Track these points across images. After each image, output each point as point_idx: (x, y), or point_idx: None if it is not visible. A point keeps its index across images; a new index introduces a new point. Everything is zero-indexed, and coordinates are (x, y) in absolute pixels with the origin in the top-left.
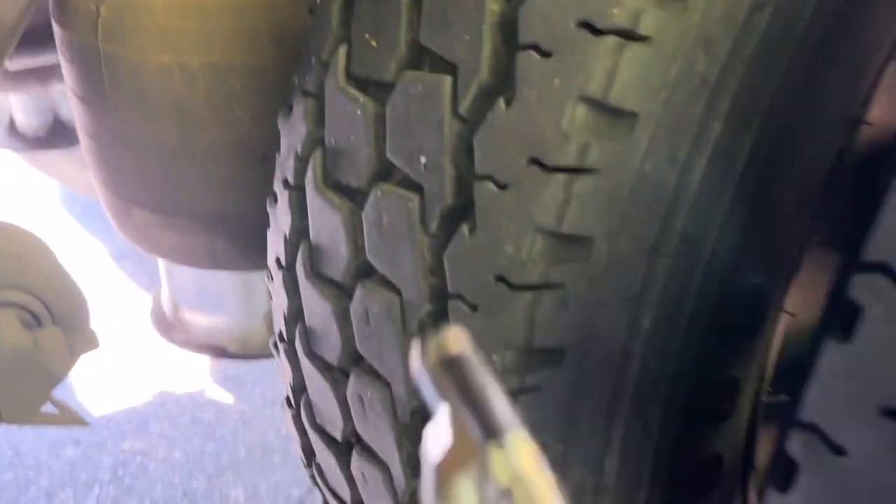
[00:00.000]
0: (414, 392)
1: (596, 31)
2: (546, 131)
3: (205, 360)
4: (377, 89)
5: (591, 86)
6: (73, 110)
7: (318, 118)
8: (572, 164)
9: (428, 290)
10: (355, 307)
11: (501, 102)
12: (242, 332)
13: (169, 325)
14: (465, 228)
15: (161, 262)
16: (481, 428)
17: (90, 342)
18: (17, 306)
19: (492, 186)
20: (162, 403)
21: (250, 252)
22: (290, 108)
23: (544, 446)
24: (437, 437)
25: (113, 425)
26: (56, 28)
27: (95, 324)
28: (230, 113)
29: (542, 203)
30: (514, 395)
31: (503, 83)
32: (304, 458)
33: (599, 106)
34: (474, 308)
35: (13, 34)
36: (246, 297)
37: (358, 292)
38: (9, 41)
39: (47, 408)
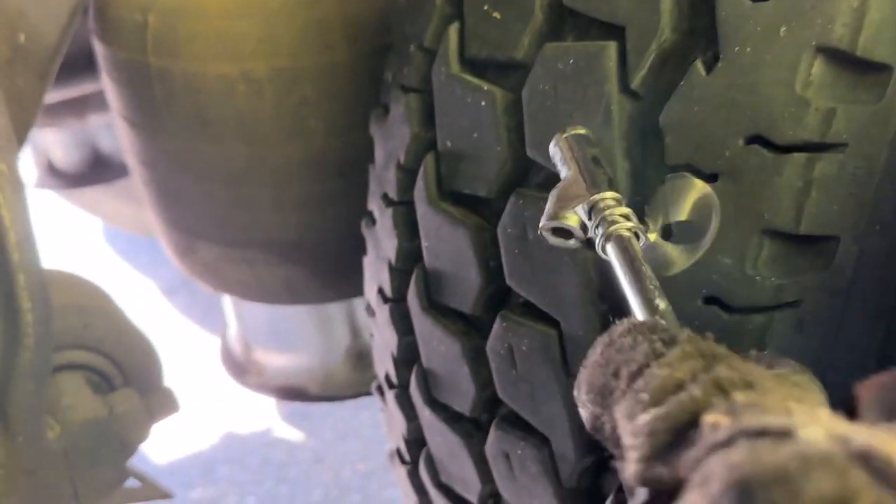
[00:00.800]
0: (584, 449)
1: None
2: (773, 98)
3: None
4: (506, 73)
5: (833, 31)
6: (123, 137)
7: (426, 117)
8: (813, 138)
9: (599, 320)
10: (494, 345)
11: (699, 66)
12: (323, 371)
13: (241, 368)
14: (656, 237)
15: (228, 298)
16: None
17: (169, 403)
18: (85, 368)
19: (693, 179)
20: (228, 445)
21: (331, 282)
22: (386, 110)
23: None
24: None
25: (179, 473)
26: (99, 46)
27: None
28: (303, 125)
29: (771, 195)
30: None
31: (696, 41)
32: None
33: (844, 59)
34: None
35: (55, 55)
36: (324, 332)
37: (497, 327)
38: (52, 64)
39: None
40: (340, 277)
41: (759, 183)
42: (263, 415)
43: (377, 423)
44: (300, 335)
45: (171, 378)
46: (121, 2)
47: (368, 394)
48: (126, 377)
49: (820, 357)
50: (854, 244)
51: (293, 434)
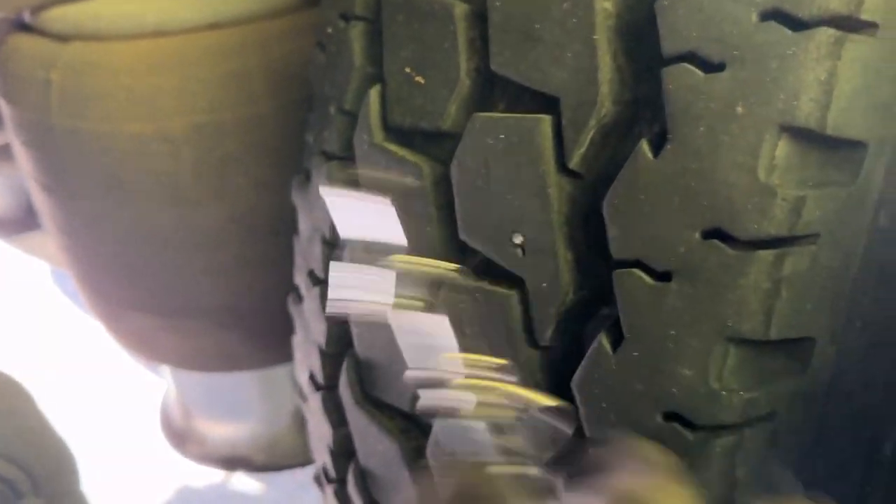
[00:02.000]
0: None
1: (796, 24)
2: (732, 185)
3: None
4: (433, 143)
5: (798, 108)
6: (37, 201)
7: (351, 188)
8: (781, 232)
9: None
10: (435, 450)
11: (645, 148)
12: (268, 438)
13: (181, 437)
14: (604, 340)
15: (166, 367)
16: None
17: None
18: None
19: (644, 277)
20: (182, 499)
21: (272, 346)
22: (308, 177)
23: None
24: None
25: None
26: (3, 105)
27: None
28: (228, 183)
29: (735, 298)
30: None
31: (641, 113)
32: None
33: (812, 138)
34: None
35: None
36: (268, 397)
37: (437, 428)
38: None
39: None
40: (281, 340)
41: (721, 284)
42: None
43: None
44: (242, 401)
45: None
46: (23, 56)
47: None
48: (36, 486)
49: (799, 471)
50: (831, 344)
51: (252, 486)
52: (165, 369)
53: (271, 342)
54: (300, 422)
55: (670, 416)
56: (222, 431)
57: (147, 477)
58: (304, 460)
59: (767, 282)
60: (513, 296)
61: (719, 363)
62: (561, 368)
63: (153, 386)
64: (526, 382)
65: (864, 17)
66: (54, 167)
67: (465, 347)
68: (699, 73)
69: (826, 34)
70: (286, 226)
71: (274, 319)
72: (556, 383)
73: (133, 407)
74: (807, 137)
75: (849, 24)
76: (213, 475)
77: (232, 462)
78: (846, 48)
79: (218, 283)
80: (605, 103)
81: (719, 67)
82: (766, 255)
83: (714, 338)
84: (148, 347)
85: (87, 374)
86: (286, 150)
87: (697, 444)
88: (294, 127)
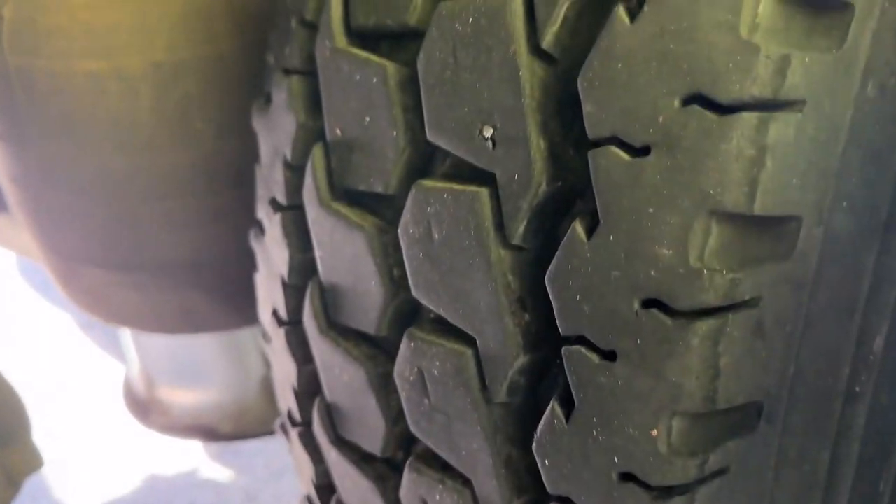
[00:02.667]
0: (512, 490)
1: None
2: (713, 46)
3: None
4: (399, 43)
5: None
6: None
7: (312, 102)
8: (765, 94)
9: (520, 334)
10: (402, 370)
11: (622, 13)
12: (236, 407)
13: (145, 408)
14: (578, 228)
15: (127, 331)
16: None
17: (32, 461)
18: None
19: (621, 154)
20: (153, 488)
21: (236, 307)
22: (268, 99)
23: None
24: None
25: None
26: None
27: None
28: (188, 126)
29: (718, 167)
30: (693, 486)
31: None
32: None
33: None
34: (609, 356)
35: None
36: (234, 362)
37: (404, 348)
38: None
39: None
40: (245, 300)
41: (702, 153)
42: (190, 454)
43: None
44: (207, 368)
45: (85, 419)
46: None
47: None
48: None
49: (784, 366)
50: (818, 225)
51: (223, 473)
52: (127, 339)
53: (237, 302)
54: (269, 389)
55: (649, 303)
56: (186, 400)
57: (115, 465)
58: (273, 428)
59: (751, 148)
60: (483, 192)
61: (700, 241)
62: (534, 269)
63: (117, 373)
64: (497, 284)
65: None
66: (5, 109)
67: (434, 255)
68: None
69: None
70: (247, 174)
71: (239, 277)
72: (529, 284)
73: (99, 395)
74: None
75: None
76: (181, 463)
77: (197, 432)
78: None
79: (177, 235)
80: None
81: None
82: (750, 118)
83: (695, 212)
84: (105, 306)
85: (54, 362)
86: (250, 92)
87: (677, 330)
88: (258, 68)
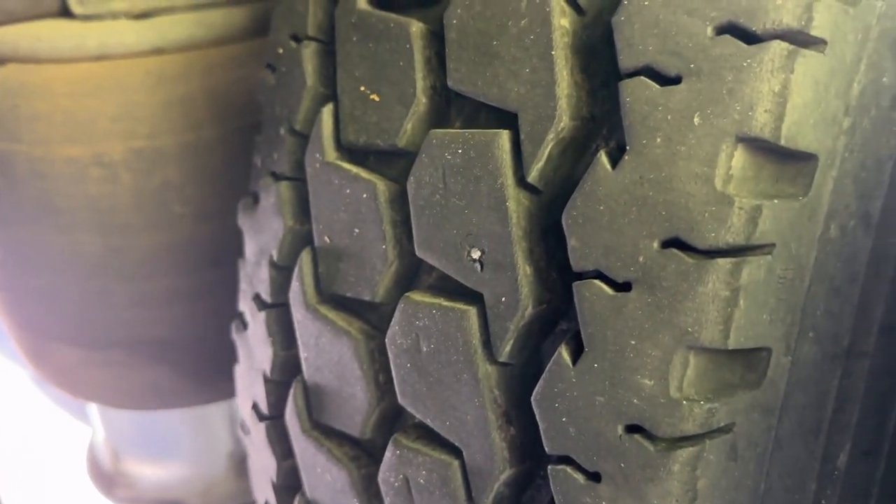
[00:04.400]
0: None
1: (749, 38)
2: (690, 195)
3: None
4: (389, 161)
5: (754, 119)
6: None
7: (300, 208)
8: (738, 241)
9: (507, 448)
10: (387, 476)
11: (604, 159)
12: (203, 481)
13: (110, 480)
14: (564, 353)
15: (93, 405)
16: None
17: None
18: None
19: (604, 288)
20: None
21: (207, 383)
22: (255, 199)
23: None
24: None
25: None
26: None
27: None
28: (166, 210)
29: (695, 307)
30: None
31: (598, 129)
32: None
33: (767, 149)
34: (594, 477)
35: None
36: (203, 436)
37: (390, 454)
38: None
39: None
40: (216, 377)
41: (680, 293)
42: None
43: None
44: (175, 441)
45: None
46: None
47: None
48: None
49: (756, 484)
50: (786, 355)
51: None
52: (93, 409)
53: (206, 378)
54: (238, 464)
55: (632, 429)
56: (153, 473)
57: None
58: (241, 502)
59: (726, 290)
60: (471, 311)
61: (680, 373)
62: (519, 385)
63: (82, 437)
64: (485, 398)
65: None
66: None
67: (422, 367)
68: (656, 86)
69: (779, 48)
70: (227, 256)
71: (209, 354)
72: (515, 400)
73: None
74: (762, 148)
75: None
76: None
77: None
78: (798, 62)
79: (150, 314)
80: (564, 118)
81: (676, 80)
82: (725, 262)
83: (674, 347)
84: (75, 383)
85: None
86: (228, 178)
87: (660, 456)
88: (237, 155)
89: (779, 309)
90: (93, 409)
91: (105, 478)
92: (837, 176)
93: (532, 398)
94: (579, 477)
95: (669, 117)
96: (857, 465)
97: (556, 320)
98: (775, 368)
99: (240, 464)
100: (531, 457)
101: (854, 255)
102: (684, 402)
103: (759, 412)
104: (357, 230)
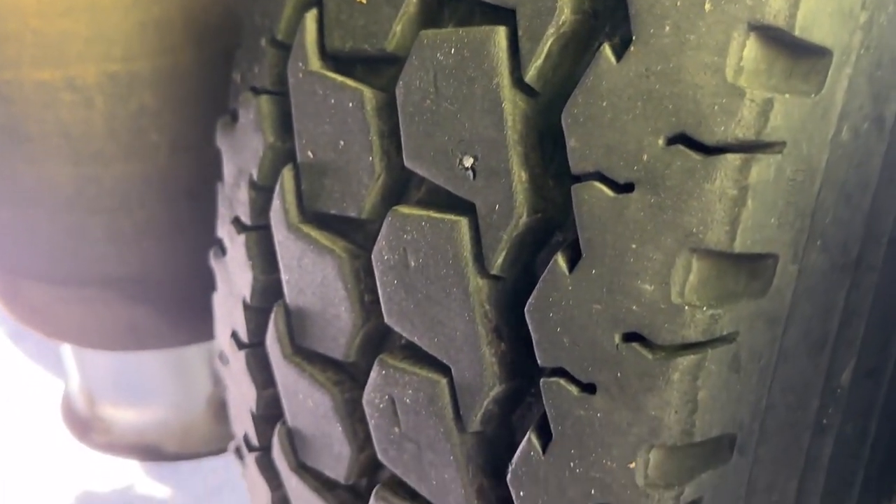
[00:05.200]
0: None
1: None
2: (699, 87)
3: None
4: (376, 68)
5: (768, 6)
6: None
7: (283, 123)
8: (748, 136)
9: (497, 364)
10: (372, 397)
11: (608, 52)
12: (181, 425)
13: (85, 426)
14: (560, 261)
15: (68, 347)
16: None
17: None
18: None
19: (605, 189)
20: (86, 503)
21: (184, 323)
22: (234, 117)
23: None
24: None
25: None
26: None
27: None
28: (142, 139)
29: (700, 206)
30: None
31: (601, 24)
32: None
33: (780, 40)
34: (588, 388)
35: None
36: (180, 380)
37: (375, 375)
38: None
39: None
40: (195, 316)
41: (686, 192)
42: (124, 470)
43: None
44: (152, 385)
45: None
46: None
47: None
48: None
49: (758, 399)
50: (793, 263)
51: (159, 491)
52: (68, 354)
53: (185, 319)
54: (216, 408)
55: (629, 337)
56: (130, 418)
57: (47, 484)
58: (220, 448)
59: (734, 189)
60: (462, 221)
61: (682, 277)
62: (511, 299)
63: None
64: (475, 313)
65: None
66: None
67: (409, 283)
68: None
69: None
70: (203, 189)
71: (185, 293)
72: (507, 314)
73: (32, 411)
74: (775, 39)
75: None
76: (115, 480)
77: (140, 451)
78: None
79: (125, 250)
80: (565, 11)
81: None
82: (734, 159)
83: (677, 249)
84: (48, 322)
85: None
86: (206, 105)
87: (658, 364)
88: (216, 81)
89: (787, 213)
90: (67, 353)
91: (80, 423)
92: (852, 74)
93: (525, 309)
94: (573, 389)
95: (679, 4)
96: (860, 384)
97: (551, 231)
98: (781, 276)
99: (218, 409)
100: (521, 374)
101: (867, 159)
102: (686, 307)
103: (763, 322)
104: (342, 143)
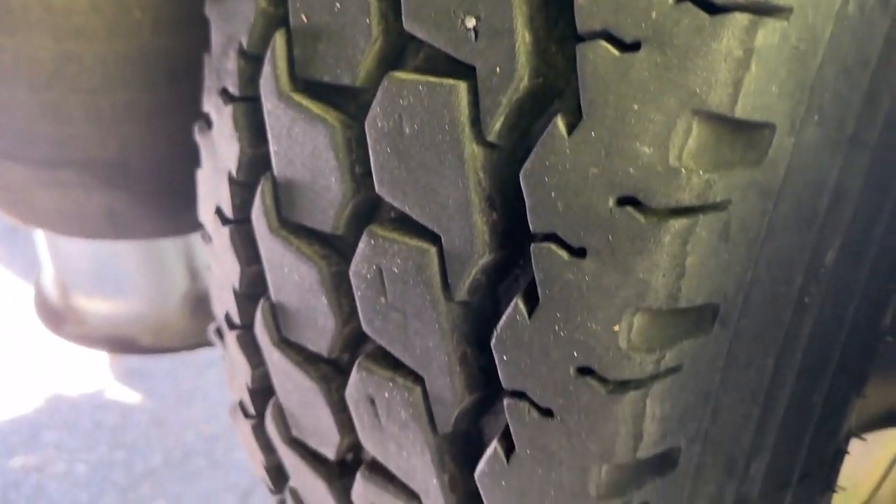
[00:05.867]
0: (465, 387)
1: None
2: None
3: (102, 354)
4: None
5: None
6: None
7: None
8: None
9: (488, 232)
10: (359, 268)
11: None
12: (156, 319)
13: (58, 317)
14: (559, 124)
15: (42, 235)
16: None
17: None
18: None
19: (610, 49)
20: (55, 408)
21: (162, 213)
22: None
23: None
24: None
25: None
26: None
27: None
28: (125, 15)
29: (705, 66)
30: (647, 382)
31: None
32: (269, 481)
33: None
34: (579, 252)
35: None
36: (157, 273)
37: (364, 245)
38: None
39: None
40: (174, 207)
41: (692, 50)
42: (95, 375)
43: (225, 385)
44: (128, 277)
45: None
46: None
47: (209, 345)
48: None
49: (743, 271)
50: (790, 135)
51: (129, 395)
52: (42, 243)
53: (162, 209)
54: (193, 304)
55: (624, 201)
56: (104, 310)
57: (16, 384)
58: (196, 343)
59: (740, 50)
60: (460, 85)
61: (681, 141)
62: (506, 168)
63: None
64: (469, 181)
65: None
66: None
67: (403, 150)
68: None
69: None
70: (187, 71)
71: (167, 182)
72: (500, 183)
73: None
74: None
75: None
76: (85, 383)
77: (114, 343)
78: None
79: (104, 132)
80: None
81: None
82: (742, 18)
83: (679, 110)
84: (24, 207)
85: None
86: None
87: (650, 227)
88: None
89: (788, 82)
90: (42, 242)
91: (54, 314)
92: None
93: (521, 174)
94: (563, 253)
95: None
96: (843, 266)
97: (551, 99)
98: (777, 148)
99: (195, 305)
100: (511, 244)
101: (869, 36)
102: (683, 170)
103: (756, 193)
104: (338, 4)
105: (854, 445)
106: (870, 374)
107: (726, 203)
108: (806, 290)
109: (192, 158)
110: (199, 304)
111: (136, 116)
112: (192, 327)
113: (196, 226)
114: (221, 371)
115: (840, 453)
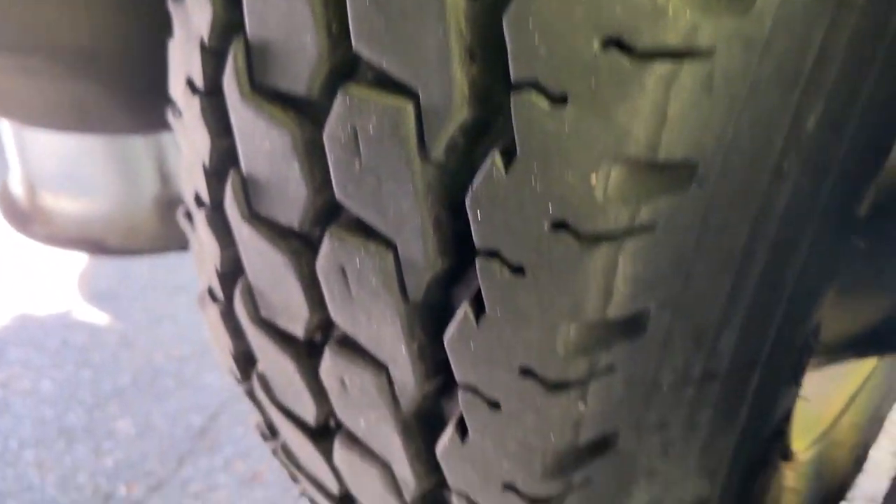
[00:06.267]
0: (437, 253)
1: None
2: None
3: (71, 272)
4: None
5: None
6: None
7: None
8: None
9: (466, 85)
10: (334, 130)
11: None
12: (126, 221)
13: (25, 216)
14: None
15: (8, 129)
16: None
17: None
18: None
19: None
20: (22, 326)
21: (133, 107)
22: None
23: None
24: None
25: None
26: None
27: None
28: None
29: None
30: (621, 237)
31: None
32: (237, 370)
33: None
34: (560, 99)
35: None
36: (127, 173)
37: (338, 107)
38: None
39: None
40: (145, 101)
41: None
42: (63, 295)
43: (195, 307)
44: (98, 177)
45: None
46: None
47: (179, 248)
48: None
49: (723, 128)
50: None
51: (98, 317)
52: (7, 135)
53: (133, 102)
54: (163, 208)
55: (609, 42)
56: (73, 209)
57: None
58: (164, 247)
59: None
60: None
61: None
62: (488, 17)
63: None
64: (449, 30)
65: None
66: None
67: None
68: None
69: None
70: None
71: (138, 73)
72: (481, 33)
73: None
74: None
75: None
76: (53, 303)
77: (82, 243)
78: None
79: (76, 18)
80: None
81: None
82: None
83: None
84: None
85: None
86: None
87: (634, 70)
88: None
89: None
90: (7, 138)
91: (20, 213)
92: None
93: (503, 17)
94: (543, 102)
95: None
96: (823, 134)
97: None
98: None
99: (165, 208)
100: (490, 100)
101: None
102: (670, 11)
103: (741, 43)
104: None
105: (816, 378)
106: (842, 268)
107: (711, 50)
108: (785, 156)
109: (164, 53)
110: (170, 208)
111: (110, 3)
112: (162, 231)
113: (166, 125)
114: (192, 296)
115: (808, 348)
